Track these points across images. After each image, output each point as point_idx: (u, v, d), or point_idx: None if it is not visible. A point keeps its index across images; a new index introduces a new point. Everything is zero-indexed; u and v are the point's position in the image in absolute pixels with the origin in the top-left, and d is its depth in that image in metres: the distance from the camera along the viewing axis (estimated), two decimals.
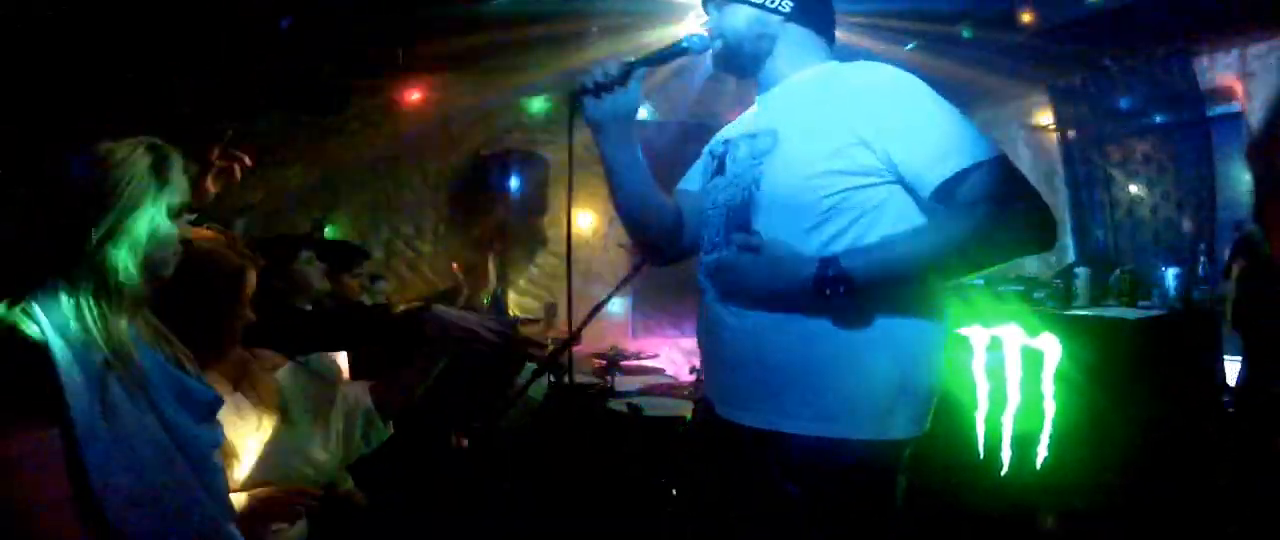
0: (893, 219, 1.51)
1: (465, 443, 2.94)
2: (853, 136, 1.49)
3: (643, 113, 5.81)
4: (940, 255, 1.47)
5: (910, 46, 4.50)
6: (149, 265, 1.30)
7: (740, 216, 1.59)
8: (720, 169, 1.71)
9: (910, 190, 1.51)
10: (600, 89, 1.66)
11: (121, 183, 1.25)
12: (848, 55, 1.71)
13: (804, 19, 1.66)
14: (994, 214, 1.43)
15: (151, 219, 1.29)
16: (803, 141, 1.55)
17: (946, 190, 1.45)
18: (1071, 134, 5.43)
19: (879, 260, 1.45)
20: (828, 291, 1.42)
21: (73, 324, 1.22)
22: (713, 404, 1.70)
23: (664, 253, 1.87)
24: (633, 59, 1.67)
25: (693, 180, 1.84)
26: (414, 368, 2.13)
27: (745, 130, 1.70)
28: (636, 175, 1.74)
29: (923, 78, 1.55)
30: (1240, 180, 4.28)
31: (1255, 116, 4.24)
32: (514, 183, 5.54)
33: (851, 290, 1.42)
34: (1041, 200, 1.48)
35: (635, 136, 1.73)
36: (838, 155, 1.50)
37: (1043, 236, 1.48)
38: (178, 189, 1.33)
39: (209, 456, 1.38)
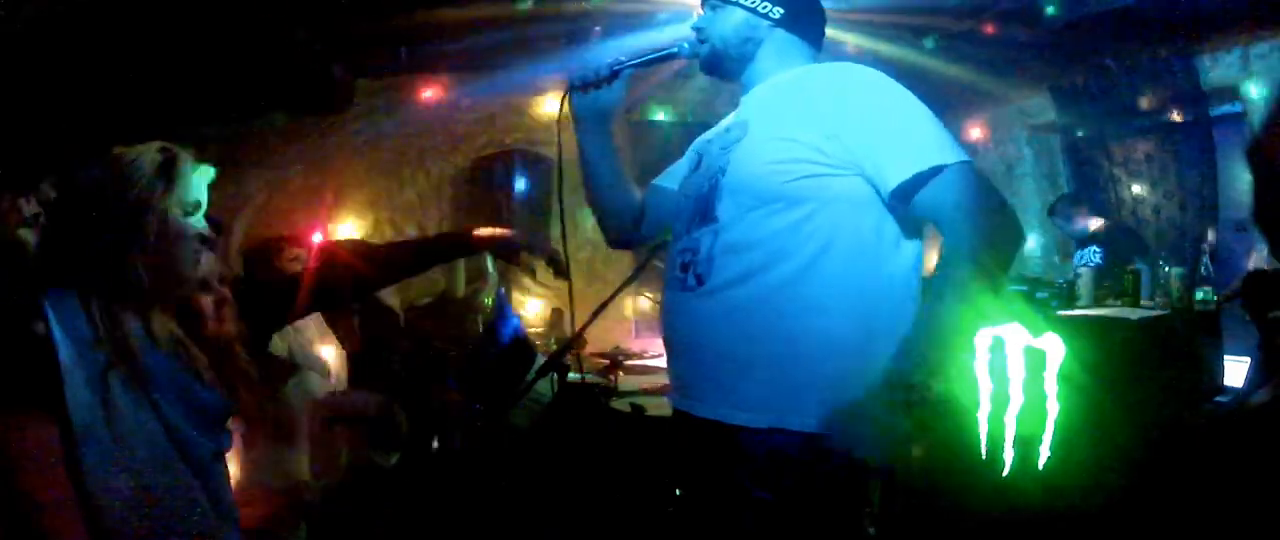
0: (853, 209, 1.51)
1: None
2: (818, 128, 1.51)
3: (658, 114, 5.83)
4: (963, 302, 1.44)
5: (918, 47, 4.50)
6: (162, 265, 1.32)
7: (706, 203, 1.63)
8: (697, 165, 1.76)
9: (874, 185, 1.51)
10: (588, 86, 1.76)
11: (131, 185, 1.28)
12: (849, 57, 1.73)
13: (792, 25, 1.70)
14: (968, 232, 1.44)
15: (162, 219, 1.31)
16: (769, 131, 1.58)
17: (904, 191, 1.46)
18: (1074, 134, 5.43)
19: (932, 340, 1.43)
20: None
21: (81, 323, 1.23)
22: (673, 394, 1.72)
23: (616, 236, 1.99)
24: (623, 60, 1.75)
25: (671, 177, 1.90)
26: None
27: (724, 128, 1.75)
28: (606, 167, 1.87)
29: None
30: (1242, 180, 4.29)
31: (1257, 116, 4.24)
32: (518, 182, 5.54)
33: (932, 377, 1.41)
34: (1008, 209, 1.50)
35: (611, 131, 1.85)
36: (800, 144, 1.52)
37: (1014, 248, 1.50)
38: (189, 189, 1.35)
39: (211, 462, 1.39)
